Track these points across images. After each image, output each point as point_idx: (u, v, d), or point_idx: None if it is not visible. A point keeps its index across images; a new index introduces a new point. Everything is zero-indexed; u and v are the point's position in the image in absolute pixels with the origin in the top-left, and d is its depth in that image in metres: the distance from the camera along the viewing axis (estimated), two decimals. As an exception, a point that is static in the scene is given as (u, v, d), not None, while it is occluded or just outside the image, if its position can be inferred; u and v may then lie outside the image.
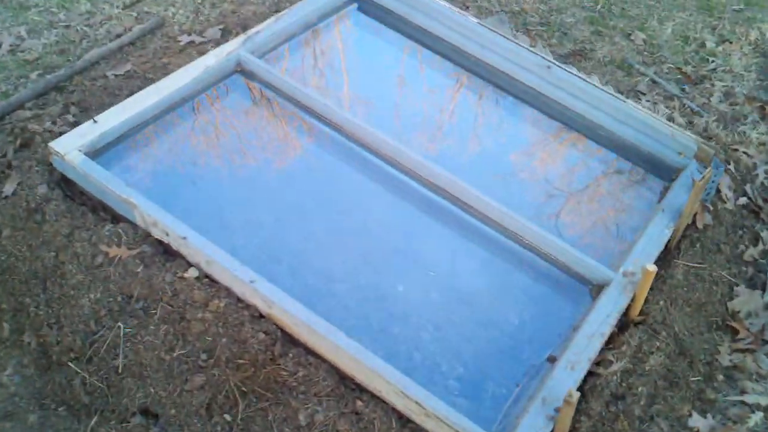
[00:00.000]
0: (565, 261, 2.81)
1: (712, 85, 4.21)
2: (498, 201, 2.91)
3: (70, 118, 3.09)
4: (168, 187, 2.81)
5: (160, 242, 2.57)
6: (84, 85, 3.27)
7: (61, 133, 2.93)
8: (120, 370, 2.38)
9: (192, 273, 2.49)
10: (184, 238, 2.49)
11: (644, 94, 4.07)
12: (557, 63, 3.48)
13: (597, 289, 2.78)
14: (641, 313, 2.76)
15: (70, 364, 2.43)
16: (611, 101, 3.37)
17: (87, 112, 3.10)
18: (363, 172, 3.06)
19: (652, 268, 2.59)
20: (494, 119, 3.48)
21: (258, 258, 2.69)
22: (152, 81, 3.15)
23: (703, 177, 2.90)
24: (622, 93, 3.96)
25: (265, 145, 3.08)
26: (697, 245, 3.10)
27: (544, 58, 3.46)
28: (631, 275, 2.75)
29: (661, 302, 2.82)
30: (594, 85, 3.40)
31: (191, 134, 3.01)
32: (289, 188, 2.95)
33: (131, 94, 3.15)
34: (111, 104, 3.09)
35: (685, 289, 2.92)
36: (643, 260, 2.79)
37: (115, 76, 3.36)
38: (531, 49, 3.48)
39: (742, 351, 2.84)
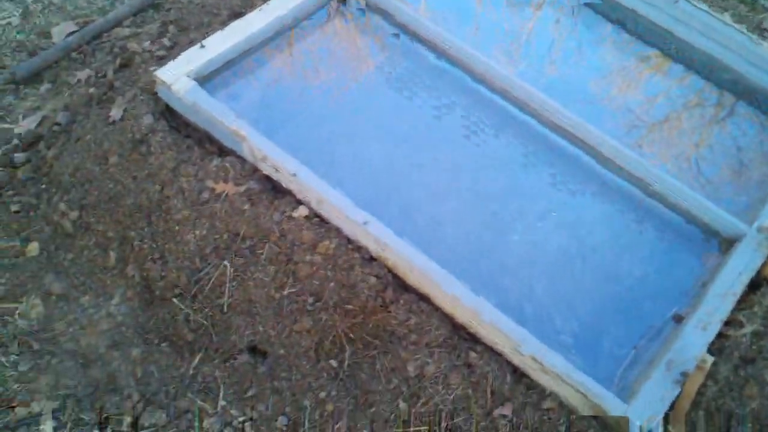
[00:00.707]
0: (694, 211, 2.61)
1: None
2: (622, 144, 2.70)
3: (166, 40, 2.99)
4: (274, 118, 2.70)
5: (269, 178, 2.46)
6: (181, 2, 3.16)
7: (159, 57, 2.84)
8: (225, 309, 2.31)
9: (301, 212, 2.38)
10: (295, 174, 2.38)
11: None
12: (686, -3, 3.19)
13: (727, 243, 2.58)
14: (775, 272, 2.55)
15: (174, 300, 2.37)
16: (744, 41, 3.08)
17: (185, 32, 3.00)
18: (478, 107, 2.88)
19: (795, 226, 2.37)
20: (612, 62, 3.24)
21: (366, 196, 2.55)
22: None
23: None
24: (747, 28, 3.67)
25: (374, 76, 2.92)
26: (839, 194, 2.84)
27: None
28: (767, 231, 2.53)
29: (807, 263, 2.60)
30: (725, 22, 3.12)
31: (298, 63, 2.88)
32: (398, 122, 2.80)
33: (230, 13, 3.04)
34: (209, 24, 2.98)
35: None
36: (783, 214, 2.58)
37: (204, -3, 3.23)
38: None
39: None
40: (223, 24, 2.91)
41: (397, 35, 3.04)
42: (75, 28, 3.19)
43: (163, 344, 2.37)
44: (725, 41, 3.11)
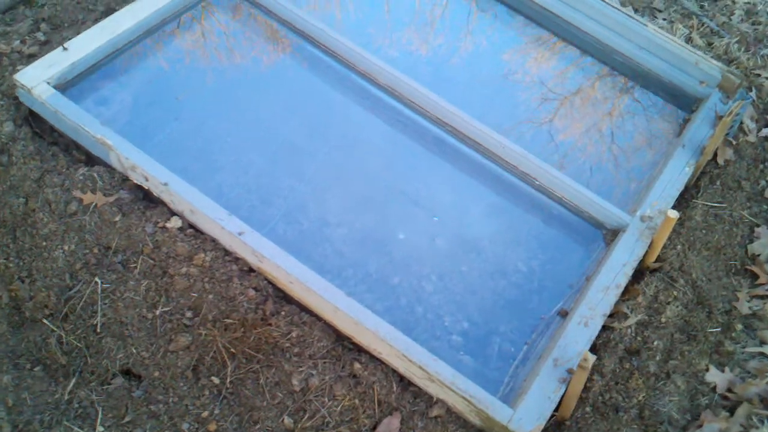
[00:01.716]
0: (577, 203, 2.62)
1: (733, 1, 3.91)
2: (504, 136, 2.67)
3: (40, 36, 2.82)
4: (148, 123, 2.57)
5: (140, 187, 2.34)
6: (54, -2, 2.99)
7: (30, 55, 2.68)
8: (98, 329, 2.19)
9: (175, 223, 2.28)
10: (166, 184, 2.27)
11: (660, 12, 3.77)
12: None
13: (611, 234, 2.59)
14: (657, 259, 2.57)
15: (45, 321, 2.24)
16: (630, 24, 3.08)
17: (59, 30, 2.84)
18: (361, 103, 2.82)
19: (674, 214, 2.39)
20: (495, 41, 3.20)
21: (248, 201, 2.49)
22: None
23: (729, 112, 2.67)
24: (637, 11, 3.69)
25: (255, 73, 2.82)
26: (717, 182, 2.89)
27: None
28: (649, 219, 2.56)
29: (678, 246, 2.64)
30: (613, 6, 3.11)
31: (173, 62, 2.75)
32: (281, 122, 2.72)
33: (107, 9, 2.88)
34: (85, 21, 2.83)
35: (704, 231, 2.73)
36: (662, 203, 2.61)
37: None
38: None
39: (762, 297, 2.67)
40: (97, 21, 2.75)
41: (276, 28, 2.93)
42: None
43: (36, 368, 2.25)
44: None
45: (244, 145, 2.63)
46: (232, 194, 2.51)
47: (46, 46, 2.77)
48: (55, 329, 2.22)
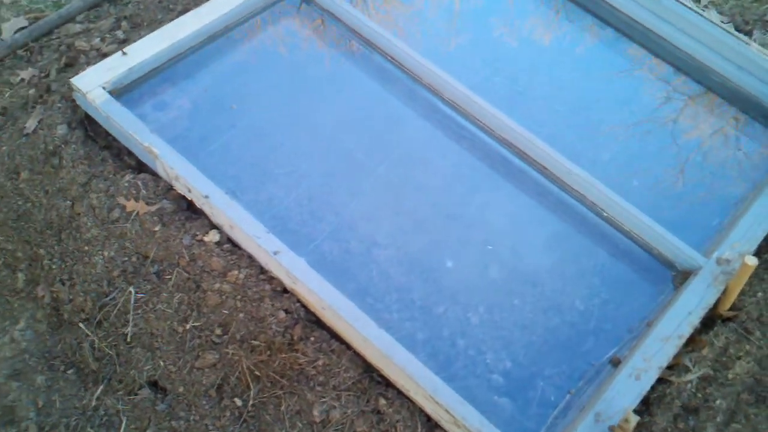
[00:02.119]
0: (646, 239, 2.41)
1: None
2: (573, 161, 2.49)
3: (120, 34, 2.84)
4: (205, 130, 2.53)
5: (184, 198, 2.31)
6: (139, -5, 3.01)
7: (106, 54, 2.69)
8: (129, 339, 2.18)
9: (212, 237, 2.23)
10: (207, 196, 2.22)
11: (775, 25, 3.45)
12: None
13: (682, 276, 2.37)
14: (733, 307, 2.33)
15: (80, 325, 2.25)
16: (729, 41, 2.81)
17: (138, 28, 2.86)
18: (426, 117, 2.70)
19: (752, 261, 2.16)
20: (582, 54, 2.99)
21: (298, 215, 2.43)
22: None
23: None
24: (747, 23, 3.38)
25: (317, 84, 2.74)
26: (814, 222, 2.59)
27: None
28: (726, 263, 2.32)
29: (759, 294, 2.39)
30: (711, 21, 2.84)
31: (233, 69, 2.70)
32: (341, 134, 2.63)
33: (184, 9, 2.85)
34: (163, 21, 2.82)
35: (792, 277, 2.46)
36: (744, 245, 2.37)
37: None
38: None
39: None
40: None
41: (346, 39, 2.84)
42: (25, 24, 3.04)
43: (69, 371, 2.27)
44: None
45: (300, 156, 2.56)
46: (281, 206, 2.45)
47: (124, 44, 2.78)
48: (90, 334, 2.22)
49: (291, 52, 2.79)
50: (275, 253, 2.15)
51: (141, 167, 2.39)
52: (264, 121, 2.61)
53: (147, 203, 2.28)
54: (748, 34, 3.34)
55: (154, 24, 2.87)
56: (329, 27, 2.85)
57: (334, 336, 2.14)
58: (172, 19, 2.79)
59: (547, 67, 2.92)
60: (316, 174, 2.53)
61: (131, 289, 2.19)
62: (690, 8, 2.86)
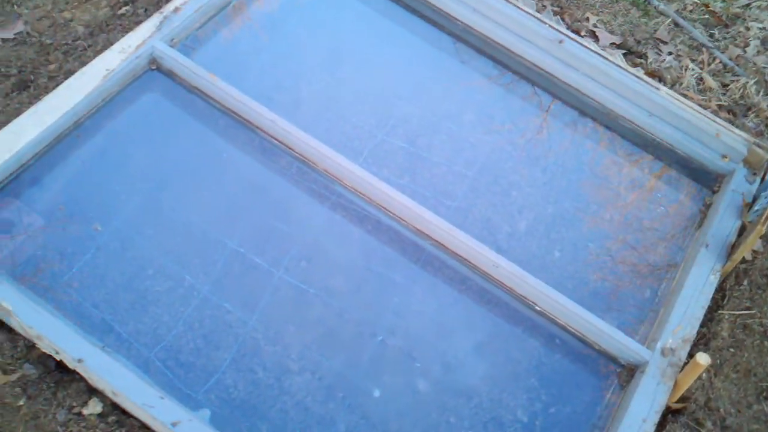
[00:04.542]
0: (584, 333, 2.20)
1: (747, 28, 3.45)
2: (491, 238, 2.30)
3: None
4: (61, 261, 2.09)
5: (51, 356, 1.88)
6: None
7: None
8: None
9: (94, 407, 1.84)
10: (80, 360, 1.81)
11: (665, 44, 3.32)
12: (571, 35, 2.68)
13: (627, 372, 2.17)
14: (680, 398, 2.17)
15: None
16: (639, 87, 2.62)
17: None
18: (324, 203, 2.36)
19: (705, 360, 1.99)
20: (486, 105, 2.72)
21: (190, 342, 2.09)
22: (51, 50, 2.38)
23: (765, 215, 2.23)
24: (639, 42, 3.23)
25: (191, 176, 2.34)
26: (744, 282, 2.48)
27: (554, 28, 2.66)
28: (671, 353, 2.15)
29: (704, 374, 2.23)
30: (619, 66, 2.63)
31: (92, 173, 2.26)
32: (225, 232, 2.27)
33: (22, 72, 2.36)
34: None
35: (732, 350, 2.34)
36: (686, 327, 2.23)
37: (2, 41, 2.53)
38: (538, 16, 2.67)
39: (800, 428, 2.27)
40: (6, 96, 2.28)
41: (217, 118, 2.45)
42: None
43: None
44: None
45: (182, 266, 2.17)
46: (169, 336, 2.08)
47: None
48: None
49: (156, 139, 2.37)
50: (174, 425, 1.77)
51: (-5, 322, 1.94)
52: (133, 231, 2.19)
53: (4, 372, 1.84)
54: (643, 56, 3.18)
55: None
56: (197, 105, 2.43)
57: None
58: (6, 93, 2.32)
59: (447, 122, 2.63)
60: (204, 285, 2.16)
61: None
62: (595, 52, 2.63)
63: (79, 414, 1.83)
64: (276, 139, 2.36)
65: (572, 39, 2.65)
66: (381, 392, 2.09)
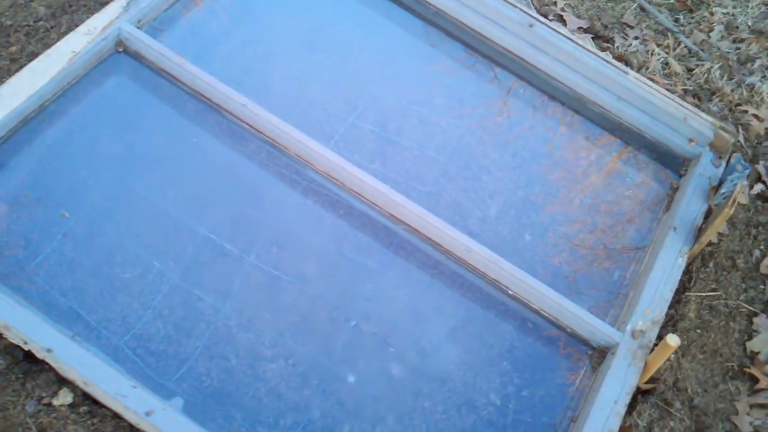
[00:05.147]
0: (557, 316, 2.22)
1: (711, 13, 3.48)
2: (462, 222, 2.31)
3: None
4: (26, 247, 2.05)
5: (18, 347, 1.84)
6: None
7: None
8: None
9: (64, 398, 1.80)
10: (50, 350, 1.77)
11: (632, 28, 3.34)
12: (541, 19, 2.68)
13: (598, 354, 2.20)
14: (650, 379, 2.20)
15: None
16: (608, 72, 2.63)
17: None
18: (296, 188, 2.34)
19: (674, 341, 2.02)
20: (456, 89, 2.71)
21: (161, 330, 2.06)
22: (11, 31, 2.41)
23: (731, 198, 2.26)
24: (606, 27, 3.25)
25: (159, 160, 2.31)
26: (710, 264, 2.52)
27: (525, 12, 2.66)
28: (641, 335, 2.17)
29: (672, 355, 2.26)
30: (588, 49, 2.64)
31: (58, 158, 2.21)
32: (195, 218, 2.24)
33: None
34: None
35: (699, 331, 2.38)
36: (655, 309, 2.25)
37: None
38: (509, 0, 2.66)
39: (763, 406, 2.32)
40: None
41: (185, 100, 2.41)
42: None
43: None
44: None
45: (151, 252, 2.14)
46: (139, 323, 2.05)
47: None
48: None
49: (123, 123, 2.32)
50: (147, 414, 1.75)
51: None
52: (101, 217, 2.15)
53: (-29, 362, 1.80)
54: (610, 41, 3.20)
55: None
56: (165, 88, 2.39)
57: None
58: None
59: (418, 106, 2.61)
60: (174, 272, 2.13)
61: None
62: (565, 36, 2.64)
63: (49, 405, 1.80)
64: (246, 123, 2.32)
65: (543, 23, 2.64)
66: (355, 378, 2.08)
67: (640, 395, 2.20)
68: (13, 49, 2.41)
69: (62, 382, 1.84)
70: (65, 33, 2.34)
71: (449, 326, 2.21)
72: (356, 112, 2.53)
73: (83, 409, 1.81)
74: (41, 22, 2.50)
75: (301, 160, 2.30)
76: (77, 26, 2.32)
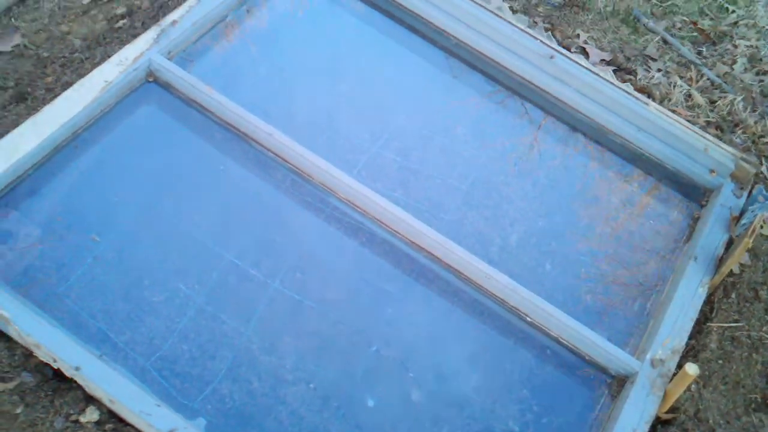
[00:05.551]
0: (575, 344, 2.23)
1: (735, 45, 3.50)
2: (483, 251, 2.35)
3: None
4: (58, 271, 2.11)
5: (48, 365, 1.89)
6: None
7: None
8: None
9: (91, 415, 1.85)
10: (78, 368, 1.83)
11: (654, 60, 3.36)
12: (562, 51, 2.72)
13: (617, 382, 2.20)
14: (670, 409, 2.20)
15: None
16: (629, 103, 2.66)
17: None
18: (318, 215, 2.40)
19: (693, 370, 2.01)
20: (478, 119, 2.76)
21: (186, 353, 2.10)
22: (48, 62, 2.42)
23: (751, 228, 2.27)
24: (628, 59, 3.28)
25: (187, 188, 2.37)
26: (732, 294, 2.51)
27: (546, 44, 2.71)
28: (661, 364, 2.18)
29: (693, 386, 2.26)
30: (607, 80, 2.68)
31: (90, 184, 2.28)
32: (222, 244, 2.29)
33: (19, 84, 2.38)
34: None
35: (720, 362, 2.37)
36: (675, 339, 2.25)
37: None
38: (530, 32, 2.71)
39: (786, 440, 2.31)
40: (4, 108, 2.30)
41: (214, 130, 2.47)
42: None
43: None
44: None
45: (178, 276, 2.19)
46: (165, 345, 2.09)
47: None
48: None
49: (153, 151, 2.39)
50: (172, 432, 1.79)
51: (-7, 330, 1.95)
52: (130, 242, 2.21)
53: (2, 379, 1.85)
54: (632, 73, 3.23)
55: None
56: (194, 117, 2.46)
57: None
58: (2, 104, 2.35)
59: (440, 136, 2.66)
60: (200, 296, 2.18)
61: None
62: (585, 68, 2.68)
63: (77, 422, 1.84)
64: (272, 152, 2.38)
65: (563, 55, 2.69)
66: (375, 402, 2.10)
67: (660, 425, 2.20)
68: (49, 79, 2.50)
69: (89, 399, 1.88)
70: (99, 64, 2.43)
71: (469, 352, 2.23)
72: (379, 141, 2.58)
73: (109, 426, 1.85)
74: (76, 54, 2.59)
75: (325, 188, 2.35)
76: (110, 57, 2.40)
